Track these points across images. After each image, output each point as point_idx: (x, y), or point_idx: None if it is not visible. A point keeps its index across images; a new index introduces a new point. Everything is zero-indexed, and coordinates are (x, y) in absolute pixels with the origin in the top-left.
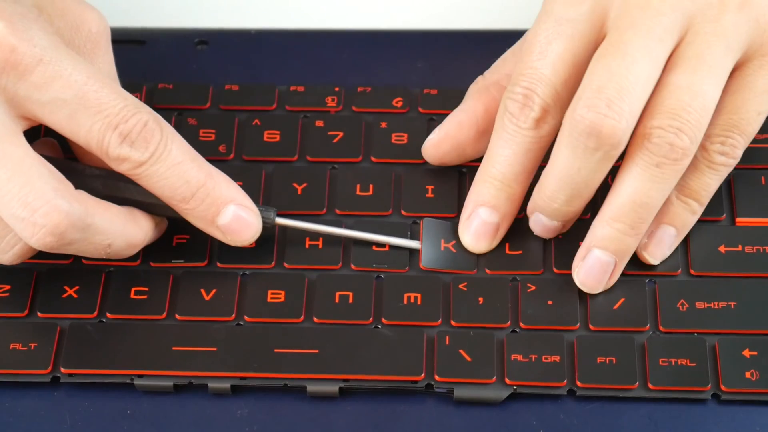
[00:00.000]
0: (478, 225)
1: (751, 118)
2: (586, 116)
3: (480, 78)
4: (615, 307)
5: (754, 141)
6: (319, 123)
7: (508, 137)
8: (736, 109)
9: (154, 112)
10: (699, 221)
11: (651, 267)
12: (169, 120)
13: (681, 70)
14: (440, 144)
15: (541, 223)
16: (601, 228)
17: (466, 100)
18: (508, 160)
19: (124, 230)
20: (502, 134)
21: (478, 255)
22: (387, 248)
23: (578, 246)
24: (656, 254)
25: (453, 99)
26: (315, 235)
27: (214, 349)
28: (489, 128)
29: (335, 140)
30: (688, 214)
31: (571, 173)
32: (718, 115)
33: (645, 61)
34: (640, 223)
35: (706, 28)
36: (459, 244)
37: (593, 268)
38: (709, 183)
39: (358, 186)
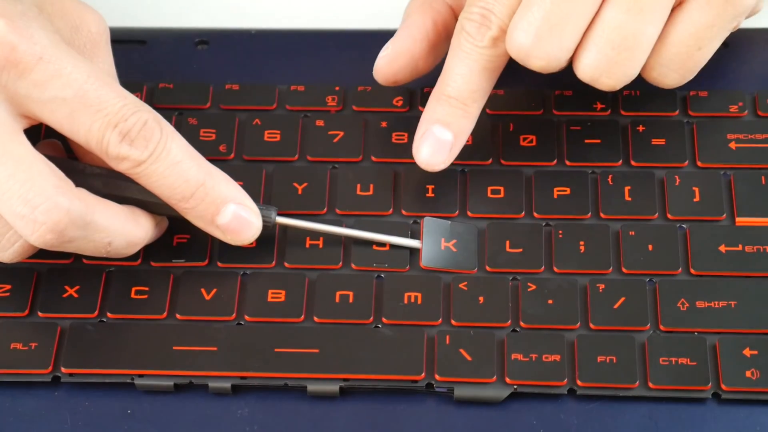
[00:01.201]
0: (433, 142)
1: (691, 54)
2: (515, 47)
3: None
4: (615, 306)
5: (755, 141)
6: (320, 122)
7: (464, 56)
8: (675, 43)
9: (154, 111)
10: (699, 221)
11: (651, 267)
12: (169, 120)
13: (616, 7)
14: (395, 60)
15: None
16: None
17: (411, 15)
18: (464, 78)
19: (124, 228)
20: (458, 53)
21: (478, 254)
22: (387, 248)
23: (579, 246)
24: None
25: None
26: (315, 234)
27: (215, 348)
28: (438, 41)
29: (335, 140)
30: None
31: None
32: (659, 46)
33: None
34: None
35: None
36: (459, 243)
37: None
38: None
39: (358, 186)
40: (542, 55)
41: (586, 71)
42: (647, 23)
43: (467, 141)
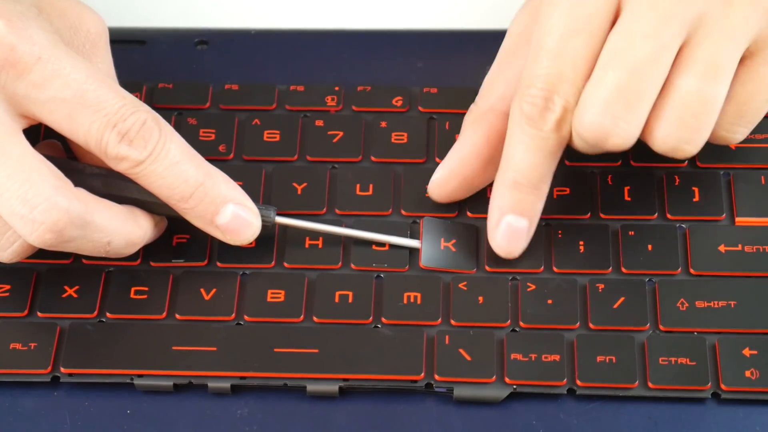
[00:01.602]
0: (510, 232)
1: (759, 108)
2: (592, 129)
3: (473, 107)
4: (615, 306)
5: (754, 141)
6: (319, 122)
7: (527, 141)
8: (745, 101)
9: (153, 111)
10: (699, 221)
11: (651, 266)
12: (168, 120)
13: (690, 74)
14: (446, 182)
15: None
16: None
17: (464, 131)
18: (530, 164)
19: (123, 228)
20: (521, 138)
21: (478, 254)
22: (387, 248)
23: (578, 246)
24: None
25: (453, 98)
26: (315, 234)
27: (214, 348)
28: (493, 156)
29: (335, 140)
30: None
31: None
32: (727, 105)
33: (653, 69)
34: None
35: (715, 27)
36: (459, 243)
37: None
38: None
39: (358, 186)
40: (621, 133)
41: (667, 142)
42: (721, 85)
43: None
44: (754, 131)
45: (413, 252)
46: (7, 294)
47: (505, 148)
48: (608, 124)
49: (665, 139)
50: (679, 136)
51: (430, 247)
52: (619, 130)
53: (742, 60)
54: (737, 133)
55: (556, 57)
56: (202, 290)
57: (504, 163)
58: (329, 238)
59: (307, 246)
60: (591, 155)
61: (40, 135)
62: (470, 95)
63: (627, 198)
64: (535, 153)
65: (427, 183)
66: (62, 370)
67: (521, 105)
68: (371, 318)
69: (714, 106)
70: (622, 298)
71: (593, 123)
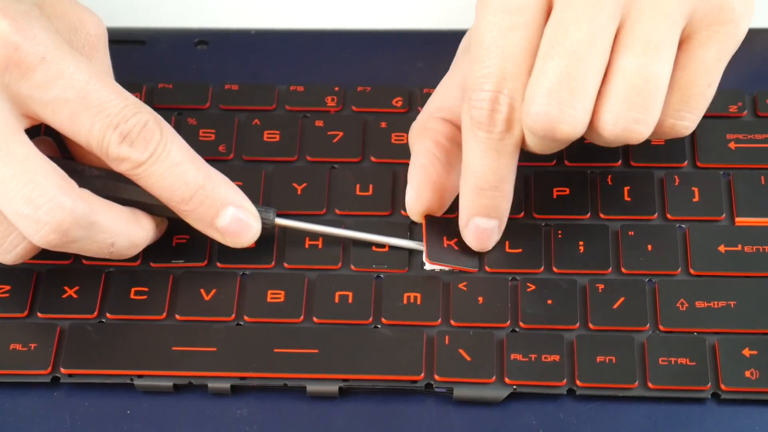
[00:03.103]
0: (480, 232)
1: (704, 92)
2: (540, 119)
3: (413, 124)
4: (615, 306)
5: (754, 141)
6: (319, 123)
7: (481, 147)
8: (688, 85)
9: (155, 113)
10: (698, 221)
11: (651, 267)
12: (169, 120)
13: (630, 53)
14: (420, 195)
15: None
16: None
17: (414, 146)
18: (489, 168)
19: (127, 229)
20: (474, 145)
21: (481, 253)
22: (387, 248)
23: (578, 246)
24: None
25: None
26: (315, 235)
27: (214, 349)
28: (449, 159)
29: (335, 140)
30: None
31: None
32: (671, 92)
33: (591, 52)
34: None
35: (649, 4)
36: (461, 242)
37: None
38: None
39: (357, 186)
40: (569, 119)
41: (617, 124)
42: (663, 62)
43: None
44: (754, 132)
45: (413, 253)
46: (7, 294)
47: (463, 154)
48: (555, 113)
49: (615, 122)
50: (628, 116)
51: (434, 245)
52: (567, 116)
53: (681, 44)
54: (685, 120)
55: (496, 54)
56: (202, 291)
57: (464, 169)
58: (329, 238)
59: (306, 246)
60: (588, 158)
61: (39, 134)
62: None
63: (627, 198)
64: (491, 156)
65: None
66: (62, 370)
67: (470, 111)
68: (371, 318)
69: (658, 83)
70: (622, 299)
71: (540, 114)
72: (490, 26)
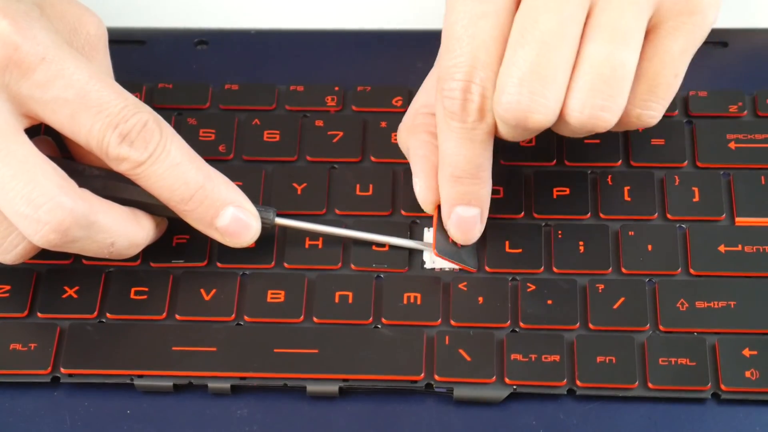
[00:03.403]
0: (462, 222)
1: (670, 83)
2: (511, 109)
3: (400, 125)
4: (615, 306)
5: (754, 141)
6: (319, 123)
7: (455, 136)
8: (654, 75)
9: (155, 113)
10: (698, 221)
11: (651, 267)
12: (168, 120)
13: (598, 41)
14: (428, 183)
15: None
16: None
17: (408, 142)
18: (464, 157)
19: (127, 229)
20: (448, 135)
21: (481, 253)
22: (387, 248)
23: (578, 246)
24: None
25: None
26: (315, 234)
27: (214, 349)
28: None
29: (335, 140)
30: None
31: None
32: (637, 82)
33: (561, 41)
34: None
35: None
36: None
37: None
38: None
39: (357, 186)
40: (541, 108)
41: (583, 112)
42: (630, 50)
43: None
44: (754, 132)
45: (413, 252)
46: (7, 294)
47: (439, 144)
48: (526, 102)
49: (582, 110)
50: (594, 103)
51: (441, 238)
52: (539, 105)
53: (647, 34)
54: (651, 110)
55: (467, 43)
56: (202, 291)
57: (441, 159)
58: (329, 238)
59: (307, 246)
60: (588, 158)
61: (35, 134)
62: None
63: (627, 198)
64: (465, 146)
65: None
66: (62, 370)
67: (443, 102)
68: (371, 318)
69: (625, 71)
70: (622, 299)
71: (511, 103)
72: (461, 14)
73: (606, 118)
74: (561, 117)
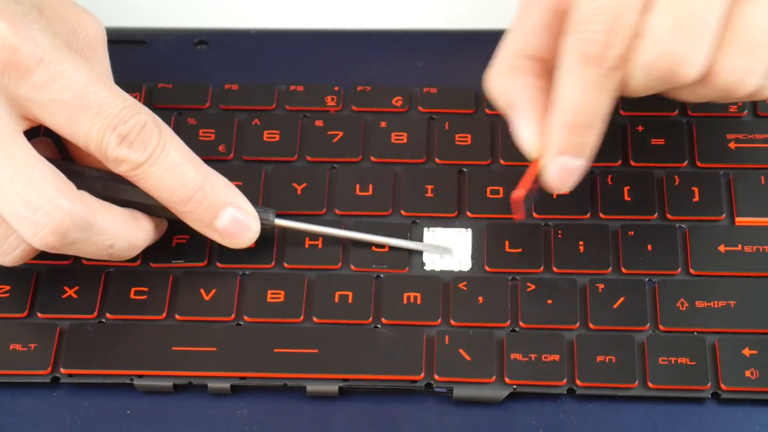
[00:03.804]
0: (565, 171)
1: None
2: (662, 59)
3: (493, 69)
4: (615, 306)
5: (754, 141)
6: (319, 123)
7: (586, 81)
8: None
9: (154, 114)
10: (698, 221)
11: (651, 267)
12: (168, 120)
13: (754, 4)
14: (538, 128)
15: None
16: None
17: (506, 86)
18: (589, 106)
19: (125, 231)
20: (578, 79)
21: (481, 253)
22: (387, 248)
23: (578, 246)
24: None
25: (453, 98)
26: (315, 235)
27: (214, 349)
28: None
29: (335, 140)
30: None
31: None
32: None
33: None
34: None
35: None
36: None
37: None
38: None
39: (357, 186)
40: (693, 61)
41: (732, 73)
42: None
43: (466, 141)
44: (754, 132)
45: (413, 253)
46: (7, 295)
47: (558, 88)
48: (679, 53)
49: (731, 71)
50: (744, 67)
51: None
52: (691, 57)
53: None
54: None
55: None
56: (202, 291)
57: (558, 105)
58: (329, 238)
59: (306, 246)
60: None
61: (38, 135)
62: (470, 95)
63: (627, 198)
64: (593, 93)
65: (428, 183)
66: (62, 370)
67: (578, 44)
68: (371, 318)
69: None
70: (622, 298)
71: (663, 52)
72: None
73: (750, 83)
74: (705, 76)
